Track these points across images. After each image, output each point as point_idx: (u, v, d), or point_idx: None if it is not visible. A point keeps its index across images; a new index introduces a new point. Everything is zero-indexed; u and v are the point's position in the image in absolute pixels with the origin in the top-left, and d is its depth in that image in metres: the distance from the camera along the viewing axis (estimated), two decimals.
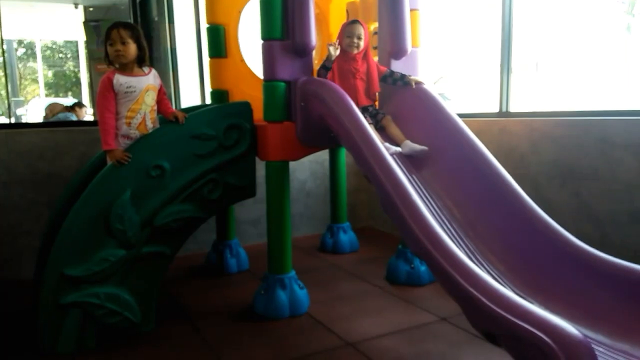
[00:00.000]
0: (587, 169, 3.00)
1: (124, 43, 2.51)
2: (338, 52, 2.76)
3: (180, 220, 2.68)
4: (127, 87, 2.54)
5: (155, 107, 2.70)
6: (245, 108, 2.90)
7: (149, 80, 2.63)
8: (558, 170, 3.16)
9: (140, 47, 2.57)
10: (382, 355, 2.36)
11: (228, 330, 2.67)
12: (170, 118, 2.70)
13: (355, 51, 2.86)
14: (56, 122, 4.67)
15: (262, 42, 2.77)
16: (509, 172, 2.34)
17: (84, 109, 6.30)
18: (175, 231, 2.68)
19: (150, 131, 2.64)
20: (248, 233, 4.30)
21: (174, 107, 3.29)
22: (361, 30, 2.85)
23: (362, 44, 2.86)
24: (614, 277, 1.84)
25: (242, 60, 3.65)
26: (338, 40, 2.85)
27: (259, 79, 3.51)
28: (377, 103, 3.06)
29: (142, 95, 2.59)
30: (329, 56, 2.76)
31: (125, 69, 2.57)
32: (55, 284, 2.39)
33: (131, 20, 4.67)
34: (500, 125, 3.50)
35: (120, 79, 2.53)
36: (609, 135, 2.88)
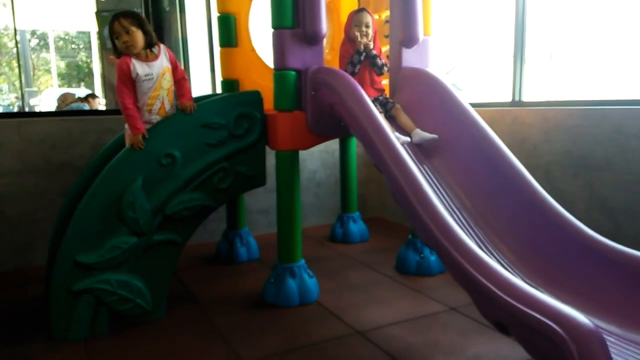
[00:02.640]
0: (600, 159, 2.96)
1: (128, 32, 2.51)
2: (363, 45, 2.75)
3: (191, 208, 2.69)
4: (145, 76, 2.57)
5: (173, 88, 2.71)
6: (255, 97, 2.89)
7: (162, 62, 2.64)
8: (571, 161, 3.12)
9: (145, 32, 2.56)
10: (391, 344, 2.36)
11: (238, 318, 2.69)
12: (180, 107, 2.70)
13: (365, 40, 2.84)
14: (69, 111, 4.71)
15: (272, 30, 2.75)
16: (521, 162, 2.32)
17: (97, 100, 6.35)
18: (186, 219, 2.70)
19: (169, 113, 2.68)
20: (258, 222, 4.32)
21: None
22: (369, 19, 2.83)
23: (370, 32, 2.84)
24: (626, 267, 1.82)
25: (253, 50, 3.64)
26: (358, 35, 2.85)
27: (269, 68, 3.50)
28: (387, 92, 3.04)
29: (159, 81, 2.61)
30: (357, 49, 2.76)
31: (139, 56, 2.58)
32: (67, 270, 2.42)
33: (142, 11, 4.68)
34: (513, 114, 3.46)
35: (137, 68, 2.55)
36: (623, 125, 2.83)
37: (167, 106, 2.68)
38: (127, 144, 2.59)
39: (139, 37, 2.53)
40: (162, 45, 2.67)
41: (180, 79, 2.74)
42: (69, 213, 2.61)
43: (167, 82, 2.66)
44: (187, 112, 2.67)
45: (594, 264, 1.91)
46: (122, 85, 2.54)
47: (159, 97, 2.63)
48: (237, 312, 2.77)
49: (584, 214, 3.01)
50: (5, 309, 2.88)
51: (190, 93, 2.77)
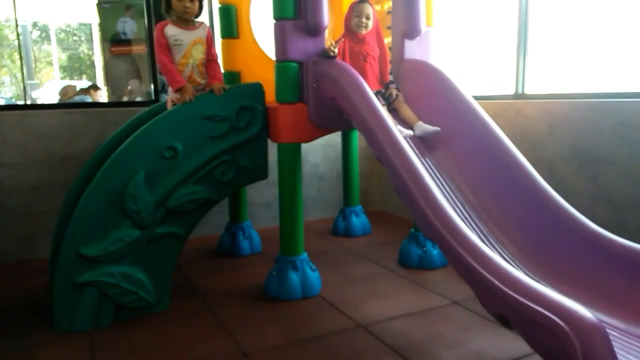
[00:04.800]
0: (604, 152, 2.94)
1: (192, 0, 2.66)
2: (336, 52, 2.70)
3: (194, 201, 2.69)
4: (174, 40, 2.70)
5: (204, 61, 2.80)
6: (257, 89, 2.88)
7: (197, 33, 2.75)
8: (574, 154, 3.11)
9: (200, 5, 2.71)
10: (393, 338, 2.37)
11: (241, 311, 2.70)
12: (210, 87, 2.77)
13: (364, 31, 2.82)
14: (71, 104, 4.71)
15: (274, 21, 2.74)
16: (524, 155, 2.30)
17: (98, 92, 6.33)
18: (188, 212, 2.70)
19: (202, 83, 2.80)
20: (261, 216, 4.32)
21: None
22: (369, 10, 2.81)
23: (370, 24, 2.82)
24: (629, 261, 1.81)
25: (254, 41, 3.62)
26: (342, 43, 2.82)
27: (271, 60, 3.48)
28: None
29: (190, 49, 2.72)
30: (327, 51, 2.69)
31: (178, 22, 2.70)
32: (70, 263, 2.43)
33: (144, 4, 4.65)
34: (516, 107, 3.44)
35: (169, 31, 2.69)
36: (627, 118, 2.82)
37: (198, 76, 2.79)
38: (171, 105, 2.73)
39: (196, 6, 2.68)
40: (206, 26, 2.79)
41: (212, 61, 2.84)
42: (72, 206, 2.61)
43: (200, 53, 2.75)
44: (216, 93, 2.72)
45: (597, 258, 1.90)
46: (158, 45, 2.69)
47: (188, 65, 2.74)
48: (240, 305, 2.77)
49: (588, 208, 3.00)
50: (9, 300, 2.90)
51: (220, 75, 2.86)
